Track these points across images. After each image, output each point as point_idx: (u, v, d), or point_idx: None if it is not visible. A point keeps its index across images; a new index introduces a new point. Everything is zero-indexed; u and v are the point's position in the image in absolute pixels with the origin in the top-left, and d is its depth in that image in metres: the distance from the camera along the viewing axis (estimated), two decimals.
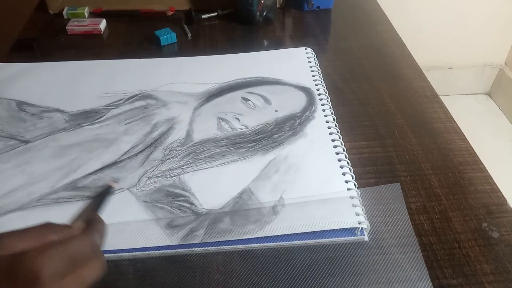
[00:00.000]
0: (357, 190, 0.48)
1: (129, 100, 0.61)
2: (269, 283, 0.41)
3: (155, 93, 0.63)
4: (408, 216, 0.46)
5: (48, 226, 0.30)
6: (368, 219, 0.45)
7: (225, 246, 0.43)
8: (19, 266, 0.26)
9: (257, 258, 0.43)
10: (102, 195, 0.36)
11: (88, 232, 0.31)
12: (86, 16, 0.82)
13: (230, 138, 0.55)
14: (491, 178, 0.51)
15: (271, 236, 0.44)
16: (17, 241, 0.28)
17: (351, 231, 0.44)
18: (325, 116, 0.58)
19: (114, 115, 0.59)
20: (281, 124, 0.57)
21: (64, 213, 0.45)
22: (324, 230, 0.44)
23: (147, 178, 0.50)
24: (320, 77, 0.66)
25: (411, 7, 1.42)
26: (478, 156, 0.54)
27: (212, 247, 0.43)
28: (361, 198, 0.47)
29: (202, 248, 0.43)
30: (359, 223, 0.44)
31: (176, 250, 0.43)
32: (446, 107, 0.62)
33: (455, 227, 0.46)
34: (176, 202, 0.47)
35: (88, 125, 0.57)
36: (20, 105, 0.60)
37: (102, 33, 0.78)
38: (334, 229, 0.44)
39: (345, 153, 0.53)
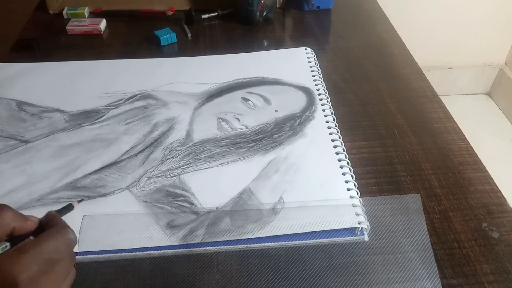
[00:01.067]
0: (357, 190, 0.48)
1: (129, 100, 0.61)
2: (269, 283, 0.41)
3: (155, 93, 0.63)
4: (425, 222, 0.46)
5: (6, 215, 0.30)
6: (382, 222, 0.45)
7: (225, 246, 0.43)
8: None
9: (257, 258, 0.43)
10: (62, 211, 0.38)
11: (61, 231, 0.31)
12: (86, 16, 0.82)
13: (230, 138, 0.55)
14: (491, 178, 0.51)
15: (271, 236, 0.44)
16: None
17: (350, 231, 0.44)
18: (325, 116, 0.58)
19: (114, 115, 0.59)
20: (281, 124, 0.57)
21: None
22: (324, 230, 0.44)
23: (147, 178, 0.50)
24: (320, 77, 0.66)
25: (411, 7, 1.42)
26: (478, 156, 0.54)
27: (212, 247, 0.43)
28: (367, 206, 0.47)
29: (202, 248, 0.43)
30: (359, 223, 0.44)
31: (176, 250, 0.43)
32: (446, 107, 0.62)
33: (455, 227, 0.46)
34: (176, 202, 0.47)
35: (88, 125, 0.57)
36: (20, 105, 0.60)
37: (102, 33, 0.78)
38: (334, 229, 0.44)
39: (345, 153, 0.53)
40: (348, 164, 0.51)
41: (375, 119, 0.60)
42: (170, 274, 0.41)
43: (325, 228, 0.44)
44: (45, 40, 0.76)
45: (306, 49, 0.72)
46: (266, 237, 0.44)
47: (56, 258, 0.30)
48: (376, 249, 0.43)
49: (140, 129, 0.56)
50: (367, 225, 0.44)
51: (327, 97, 0.62)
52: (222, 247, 0.43)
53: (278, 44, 0.76)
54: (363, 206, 0.46)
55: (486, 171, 0.52)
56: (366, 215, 0.46)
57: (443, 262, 0.42)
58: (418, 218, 0.46)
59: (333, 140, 0.55)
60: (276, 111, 0.59)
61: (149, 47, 0.75)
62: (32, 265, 0.28)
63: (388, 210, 0.47)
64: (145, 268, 0.42)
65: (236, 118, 0.58)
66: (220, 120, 0.57)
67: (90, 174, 0.50)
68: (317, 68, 0.68)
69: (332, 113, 0.59)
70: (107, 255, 0.42)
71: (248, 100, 0.61)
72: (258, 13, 0.79)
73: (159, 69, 0.68)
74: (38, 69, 0.68)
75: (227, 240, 0.44)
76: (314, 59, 0.70)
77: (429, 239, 0.44)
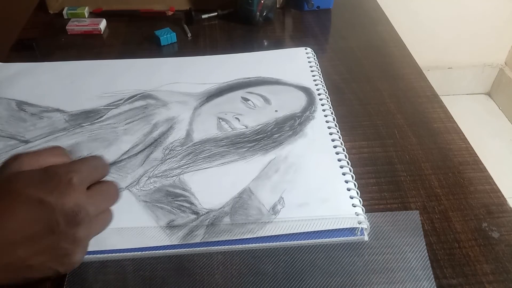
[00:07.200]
0: (357, 190, 0.48)
1: (129, 100, 0.61)
2: (269, 283, 0.41)
3: (155, 93, 0.63)
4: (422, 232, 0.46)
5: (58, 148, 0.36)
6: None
7: (225, 246, 0.43)
8: (55, 173, 0.32)
9: (257, 258, 0.43)
10: None
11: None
12: (86, 16, 0.82)
13: (230, 138, 0.55)
14: (491, 178, 0.51)
15: (271, 236, 0.44)
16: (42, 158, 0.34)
17: (350, 231, 0.44)
18: (325, 116, 0.58)
19: (114, 115, 0.59)
20: (281, 124, 0.57)
21: None
22: (324, 230, 0.44)
23: (147, 178, 0.50)
24: (320, 77, 0.66)
25: (411, 7, 1.42)
26: (478, 156, 0.54)
27: (212, 247, 0.43)
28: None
29: (202, 248, 0.43)
30: (359, 223, 0.44)
31: (176, 250, 0.43)
32: (446, 107, 0.62)
33: (455, 227, 0.46)
34: (176, 202, 0.47)
35: (88, 125, 0.57)
36: (20, 105, 0.60)
37: (102, 33, 0.78)
38: (334, 229, 0.44)
39: (345, 153, 0.53)
40: (348, 164, 0.51)
41: (375, 119, 0.60)
42: (170, 274, 0.41)
43: (325, 228, 0.44)
44: (45, 40, 0.76)
45: (306, 49, 0.72)
46: (266, 237, 0.44)
47: (99, 172, 0.36)
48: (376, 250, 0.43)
49: (140, 129, 0.56)
50: (367, 225, 0.44)
51: (327, 97, 0.62)
52: (222, 247, 0.43)
53: (278, 44, 0.76)
54: (362, 206, 0.47)
55: (486, 171, 0.52)
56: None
57: (443, 262, 0.42)
58: (416, 237, 0.45)
59: (333, 140, 0.55)
60: (276, 111, 0.59)
61: (149, 47, 0.75)
62: (83, 169, 0.34)
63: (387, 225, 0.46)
64: (145, 268, 0.42)
65: (236, 118, 0.58)
66: (220, 120, 0.57)
67: None
68: (317, 68, 0.68)
69: (332, 113, 0.59)
70: (107, 255, 0.42)
71: (248, 100, 0.61)
72: (258, 13, 0.79)
73: (159, 69, 0.68)
74: (38, 69, 0.68)
75: (227, 240, 0.44)
76: (314, 59, 0.70)
77: (428, 256, 0.43)
